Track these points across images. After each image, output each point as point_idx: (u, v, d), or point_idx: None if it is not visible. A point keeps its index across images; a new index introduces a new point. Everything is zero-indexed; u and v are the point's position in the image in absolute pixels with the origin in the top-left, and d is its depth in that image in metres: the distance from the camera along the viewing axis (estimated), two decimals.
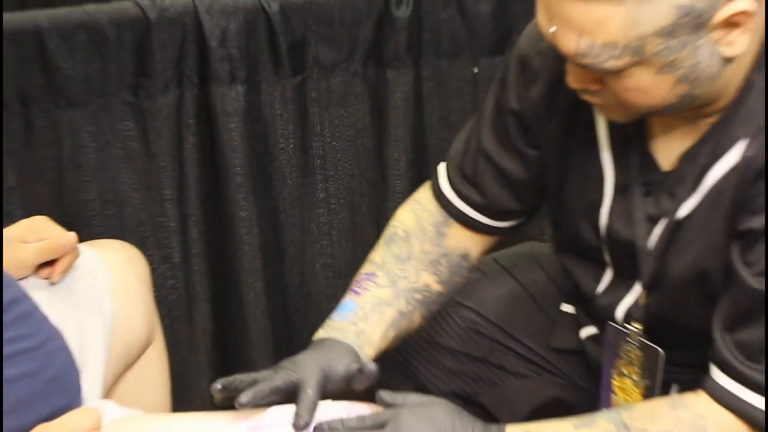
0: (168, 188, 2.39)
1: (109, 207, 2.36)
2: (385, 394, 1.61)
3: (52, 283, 1.82)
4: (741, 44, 1.46)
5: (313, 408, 1.55)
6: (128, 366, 1.96)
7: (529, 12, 1.85)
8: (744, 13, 1.41)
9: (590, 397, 1.92)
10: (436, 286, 1.89)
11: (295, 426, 1.52)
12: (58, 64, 2.21)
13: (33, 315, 1.53)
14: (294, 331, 2.55)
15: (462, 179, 1.90)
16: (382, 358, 2.05)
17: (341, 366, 1.65)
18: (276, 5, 2.30)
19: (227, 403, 1.57)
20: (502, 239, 2.27)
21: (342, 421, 1.56)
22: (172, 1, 2.25)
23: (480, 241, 1.95)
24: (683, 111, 1.57)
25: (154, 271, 2.14)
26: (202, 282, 2.49)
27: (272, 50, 2.34)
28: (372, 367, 1.64)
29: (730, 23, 1.42)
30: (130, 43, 2.25)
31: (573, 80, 1.56)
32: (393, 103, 2.45)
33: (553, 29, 1.47)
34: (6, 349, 1.44)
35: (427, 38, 2.43)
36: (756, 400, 1.50)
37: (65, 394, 1.54)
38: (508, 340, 2.04)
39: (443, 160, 1.95)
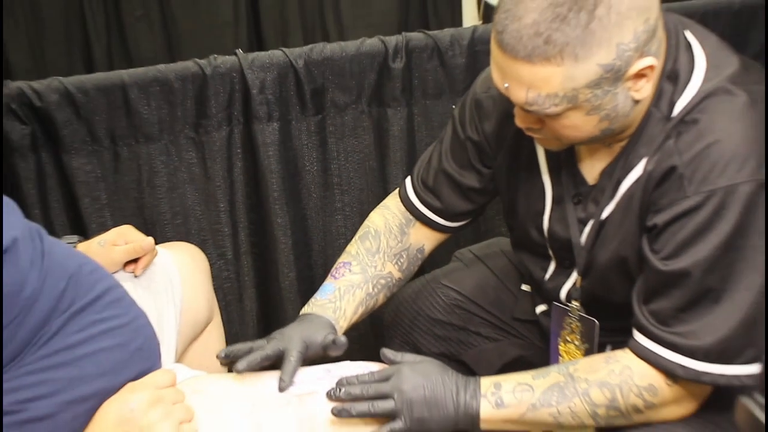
0: (222, 202, 2.39)
1: (178, 217, 2.37)
2: (387, 352, 1.65)
3: (136, 276, 1.84)
4: (646, 90, 1.51)
5: (293, 372, 1.60)
6: (194, 338, 1.98)
7: None
8: (650, 67, 1.47)
9: (546, 355, 1.92)
10: (397, 274, 1.91)
11: (280, 387, 1.57)
12: (138, 109, 2.22)
13: (124, 299, 1.54)
14: None
15: (424, 189, 1.93)
16: (387, 328, 2.08)
17: (319, 337, 1.68)
18: (301, 61, 2.30)
19: (231, 366, 1.62)
20: (476, 233, 2.29)
21: (357, 376, 1.60)
22: (222, 60, 2.26)
23: (434, 238, 1.97)
24: (602, 140, 1.60)
25: (212, 265, 2.14)
26: (249, 273, 2.50)
27: (299, 95, 2.35)
28: (343, 339, 1.68)
29: (640, 75, 1.47)
30: (192, 92, 2.26)
31: (520, 121, 1.59)
32: (392, 133, 2.46)
33: (506, 85, 1.50)
34: (104, 326, 1.45)
35: (417, 84, 2.43)
36: (668, 354, 1.53)
37: (148, 360, 1.55)
38: (482, 312, 2.05)
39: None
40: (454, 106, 2.42)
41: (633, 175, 1.60)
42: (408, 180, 1.98)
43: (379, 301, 1.90)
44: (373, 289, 1.86)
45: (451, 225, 1.95)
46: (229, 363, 1.66)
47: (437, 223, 1.94)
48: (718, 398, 1.60)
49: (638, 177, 1.59)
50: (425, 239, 1.96)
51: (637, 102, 1.52)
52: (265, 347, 1.63)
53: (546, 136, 1.60)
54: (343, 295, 1.81)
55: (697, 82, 1.54)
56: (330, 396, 1.56)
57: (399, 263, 1.92)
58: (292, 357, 1.61)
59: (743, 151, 1.47)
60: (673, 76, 1.55)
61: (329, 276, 1.86)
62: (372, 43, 2.38)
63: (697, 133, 1.51)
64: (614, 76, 1.45)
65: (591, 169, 1.70)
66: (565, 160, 1.72)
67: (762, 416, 0.75)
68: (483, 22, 3.53)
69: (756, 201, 1.46)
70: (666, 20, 1.55)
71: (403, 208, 1.96)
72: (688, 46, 1.57)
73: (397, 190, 2.01)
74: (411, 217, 1.95)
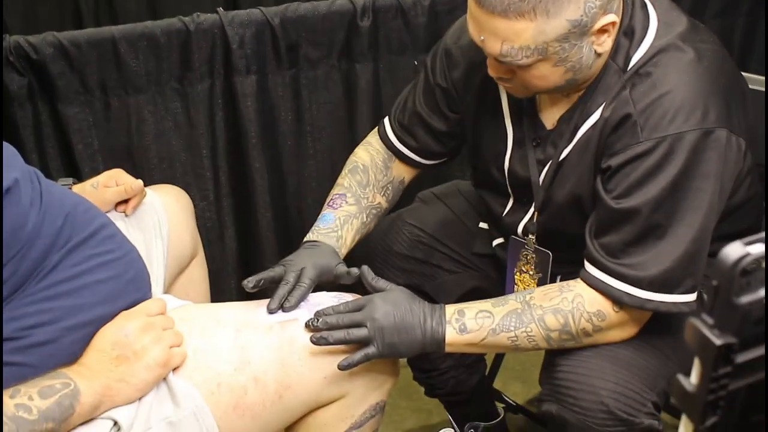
0: (204, 149, 2.36)
1: (164, 162, 2.34)
2: (367, 272, 1.67)
3: (127, 215, 1.83)
4: (607, 44, 1.53)
5: (301, 299, 1.62)
6: (181, 271, 1.97)
7: (452, 23, 1.87)
8: (612, 23, 1.49)
9: (500, 286, 1.94)
10: (384, 204, 1.94)
11: (285, 309, 1.60)
12: (127, 62, 2.18)
13: (117, 235, 1.53)
14: (292, 244, 2.51)
15: (401, 128, 1.93)
16: (358, 262, 2.08)
17: (332, 266, 1.71)
18: (277, 19, 2.27)
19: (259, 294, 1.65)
20: (436, 177, 2.29)
21: (332, 307, 1.60)
22: (205, 17, 2.22)
23: (412, 172, 1.99)
24: (565, 89, 1.60)
25: (195, 207, 2.12)
26: (229, 214, 2.48)
27: (275, 51, 2.32)
28: (355, 271, 1.69)
29: (602, 30, 1.49)
30: (177, 47, 2.22)
31: (492, 71, 1.59)
32: (359, 87, 2.44)
33: (482, 38, 1.50)
34: (99, 259, 1.45)
35: (382, 41, 2.41)
36: (616, 284, 1.55)
37: (140, 290, 1.54)
38: (442, 247, 2.04)
39: None
40: (416, 62, 2.44)
41: (590, 121, 1.62)
42: (386, 120, 1.98)
43: (370, 228, 1.92)
44: (367, 218, 1.88)
45: (427, 162, 1.97)
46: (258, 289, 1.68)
47: (413, 160, 1.96)
48: (654, 323, 1.64)
49: (595, 122, 1.61)
50: (405, 173, 1.98)
51: (599, 55, 1.54)
52: (288, 281, 1.64)
53: (515, 85, 1.60)
54: (342, 225, 1.82)
55: (650, 39, 1.57)
56: (308, 326, 1.56)
57: (386, 194, 1.94)
58: (304, 285, 1.63)
59: (690, 102, 1.50)
60: (629, 32, 1.57)
61: (326, 206, 1.87)
62: (342, 3, 2.35)
63: (650, 85, 1.54)
64: (580, 30, 1.47)
65: (549, 116, 1.70)
66: (527, 107, 1.73)
67: (709, 334, 0.75)
68: None
69: (700, 147, 1.50)
70: None
71: (383, 146, 1.97)
72: (643, 5, 1.60)
73: (376, 129, 2.01)
74: (391, 153, 1.96)
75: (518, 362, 2.67)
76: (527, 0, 1.41)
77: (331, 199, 1.87)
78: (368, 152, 1.96)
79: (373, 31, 2.38)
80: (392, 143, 1.94)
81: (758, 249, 0.71)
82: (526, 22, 1.43)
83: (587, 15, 1.44)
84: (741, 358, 0.75)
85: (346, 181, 1.90)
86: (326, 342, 1.53)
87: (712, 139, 1.50)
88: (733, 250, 0.71)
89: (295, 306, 1.60)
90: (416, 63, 2.45)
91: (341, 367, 1.54)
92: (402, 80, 2.45)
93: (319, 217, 1.84)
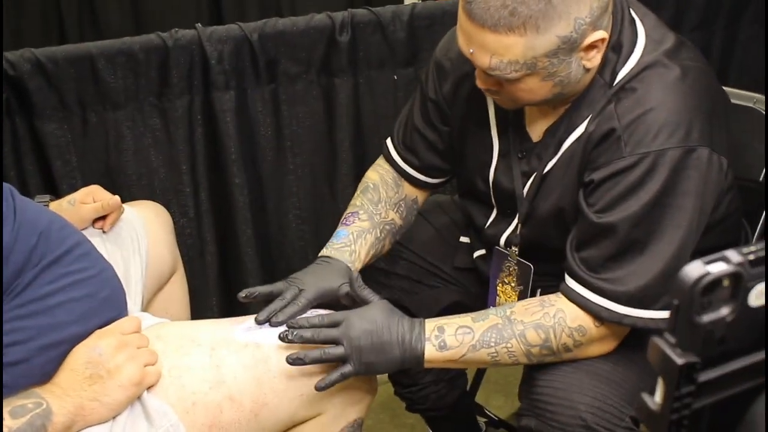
0: (184, 165, 2.36)
1: (143, 178, 2.33)
2: (356, 281, 1.68)
3: (104, 232, 1.82)
4: (596, 59, 1.53)
5: (291, 316, 1.60)
6: (159, 288, 1.96)
7: (431, 38, 1.87)
8: (602, 39, 1.50)
9: (481, 301, 1.93)
10: (398, 221, 1.93)
11: (272, 323, 1.59)
12: (105, 78, 2.18)
13: (92, 253, 1.52)
14: (274, 261, 2.54)
15: (404, 148, 1.93)
16: None
17: (335, 287, 1.70)
18: (256, 35, 2.28)
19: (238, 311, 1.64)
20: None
21: (307, 319, 1.59)
22: (183, 33, 2.23)
23: (423, 192, 1.99)
24: (552, 103, 1.61)
25: (175, 224, 2.11)
26: (210, 230, 2.46)
27: (254, 66, 2.32)
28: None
29: (592, 46, 1.49)
30: (155, 63, 2.22)
31: (481, 83, 1.59)
32: (339, 101, 2.44)
33: (471, 50, 1.50)
34: (74, 277, 1.44)
35: (362, 56, 2.41)
36: (595, 299, 1.56)
37: (115, 309, 1.53)
38: (423, 262, 2.04)
39: (376, 140, 1.99)
40: (395, 77, 2.45)
41: (575, 134, 1.63)
42: (389, 141, 1.98)
43: (385, 246, 1.91)
44: (380, 233, 1.87)
45: (433, 181, 1.97)
46: (251, 301, 1.67)
47: (420, 179, 1.96)
48: (633, 338, 1.64)
49: (579, 136, 1.62)
50: (416, 193, 1.98)
51: (587, 70, 1.55)
52: (285, 298, 1.64)
53: (503, 98, 1.61)
54: (356, 239, 1.82)
55: (638, 55, 1.57)
56: (282, 338, 1.54)
57: (399, 212, 1.94)
58: (299, 303, 1.63)
59: (674, 120, 1.51)
60: (617, 47, 1.58)
61: (340, 225, 1.87)
62: (320, 18, 2.36)
63: (635, 101, 1.54)
64: (570, 46, 1.47)
65: (536, 128, 1.71)
66: (513, 119, 1.73)
67: (671, 353, 0.75)
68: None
69: (682, 165, 1.51)
70: None
71: (390, 166, 1.97)
72: (632, 21, 1.61)
73: (382, 154, 2.01)
74: (398, 174, 1.96)
75: (501, 376, 2.67)
76: (518, 15, 1.41)
77: (345, 218, 1.87)
78: (377, 172, 1.96)
79: (352, 45, 2.39)
80: (397, 164, 1.95)
81: (718, 268, 0.71)
82: (516, 37, 1.43)
83: (577, 31, 1.45)
84: (704, 377, 0.75)
85: (358, 200, 1.90)
86: (302, 363, 1.52)
87: (694, 157, 1.51)
88: (693, 270, 0.71)
89: (283, 322, 1.58)
90: (395, 77, 2.45)
91: (318, 389, 1.53)
92: (381, 95, 2.46)
93: (334, 234, 1.84)
